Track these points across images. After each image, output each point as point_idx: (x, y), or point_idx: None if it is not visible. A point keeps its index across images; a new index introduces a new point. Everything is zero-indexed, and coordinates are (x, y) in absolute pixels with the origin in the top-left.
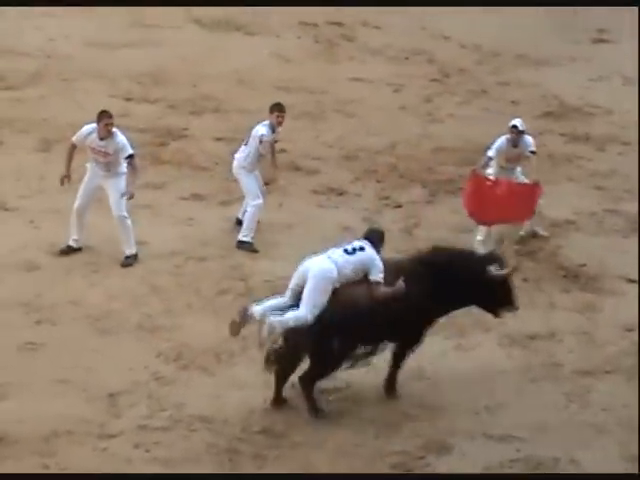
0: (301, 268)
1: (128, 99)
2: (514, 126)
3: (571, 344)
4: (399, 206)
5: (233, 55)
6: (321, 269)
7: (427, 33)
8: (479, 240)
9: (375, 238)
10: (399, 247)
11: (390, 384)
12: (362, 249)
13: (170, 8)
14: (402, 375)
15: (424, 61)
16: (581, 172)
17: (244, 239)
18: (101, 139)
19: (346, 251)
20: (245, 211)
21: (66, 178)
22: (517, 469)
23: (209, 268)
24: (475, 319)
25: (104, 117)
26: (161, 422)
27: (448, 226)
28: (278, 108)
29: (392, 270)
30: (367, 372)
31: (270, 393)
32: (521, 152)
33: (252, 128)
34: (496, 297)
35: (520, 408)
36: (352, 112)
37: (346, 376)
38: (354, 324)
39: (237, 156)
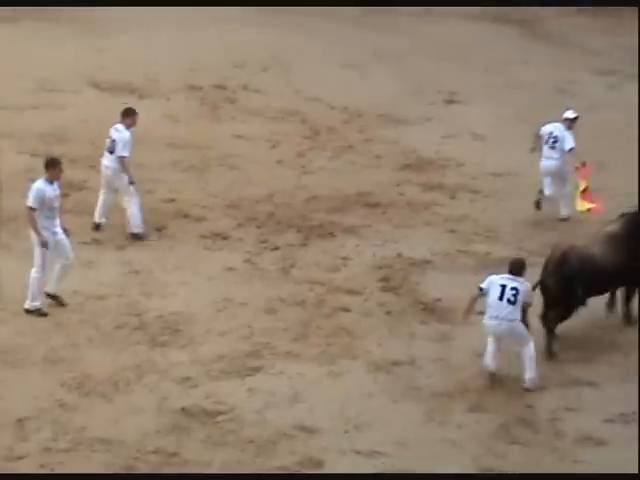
0: None
1: (34, 155)
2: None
3: (429, 369)
4: (277, 249)
5: None
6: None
7: (300, 96)
8: None
9: (517, 267)
10: (276, 285)
11: (626, 315)
12: (515, 289)
13: (71, 75)
14: (279, 398)
15: (298, 120)
16: (436, 217)
17: None
18: (52, 183)
19: (509, 301)
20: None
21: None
22: None
23: (107, 306)
24: (344, 348)
25: (56, 162)
26: (64, 444)
27: (320, 266)
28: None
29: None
30: (249, 397)
31: (163, 418)
32: None
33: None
34: None
35: (385, 426)
36: (234, 165)
37: (232, 401)
38: (593, 277)
39: None
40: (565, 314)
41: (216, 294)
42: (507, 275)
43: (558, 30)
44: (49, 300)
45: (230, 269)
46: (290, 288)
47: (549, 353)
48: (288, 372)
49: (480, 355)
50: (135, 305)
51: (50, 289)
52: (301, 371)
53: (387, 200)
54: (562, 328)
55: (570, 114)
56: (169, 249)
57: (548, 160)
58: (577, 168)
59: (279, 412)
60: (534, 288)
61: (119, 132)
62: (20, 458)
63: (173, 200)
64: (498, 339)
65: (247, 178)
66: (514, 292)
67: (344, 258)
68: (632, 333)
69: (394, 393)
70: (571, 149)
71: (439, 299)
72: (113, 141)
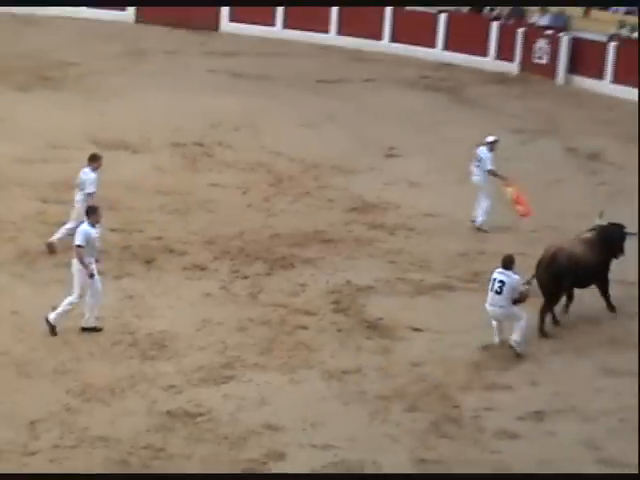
0: None
1: (44, 201)
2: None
3: (373, 377)
4: (246, 277)
5: (123, 167)
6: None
7: (266, 150)
8: None
9: (506, 262)
10: (246, 308)
11: (608, 302)
12: (502, 282)
13: (75, 134)
14: (249, 402)
15: (264, 171)
16: (378, 251)
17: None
18: (94, 226)
19: (497, 292)
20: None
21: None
22: (334, 470)
23: (106, 325)
24: (302, 360)
25: (96, 209)
26: (70, 442)
27: (283, 292)
28: None
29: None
30: (224, 401)
31: (152, 419)
32: None
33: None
34: None
35: (337, 425)
36: (211, 209)
37: (209, 404)
38: (576, 273)
39: None
40: (553, 302)
41: (196, 316)
42: (499, 269)
43: (479, 96)
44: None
45: (208, 295)
46: (258, 310)
47: (541, 332)
48: (256, 380)
49: (416, 365)
50: (129, 325)
51: (87, 324)
52: (267, 379)
53: (338, 237)
54: (485, 341)
55: (489, 138)
56: (157, 278)
57: (474, 176)
58: (505, 183)
59: (249, 413)
60: (529, 282)
61: (86, 174)
62: (33, 454)
63: (160, 238)
64: (498, 320)
65: (222, 219)
66: (500, 284)
67: (302, 285)
68: (544, 344)
69: (344, 397)
70: (489, 170)
71: (381, 318)
72: (83, 181)
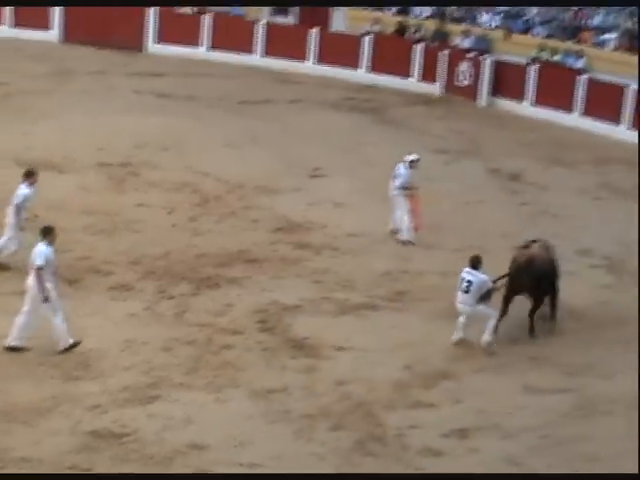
0: None
1: None
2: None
3: (298, 396)
4: (172, 297)
5: (48, 187)
6: None
7: (192, 171)
8: None
9: (474, 262)
10: (172, 328)
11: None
12: (469, 281)
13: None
14: (175, 421)
15: (189, 191)
16: (304, 270)
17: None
18: (51, 246)
19: (464, 291)
20: None
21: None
22: None
23: (32, 345)
24: (228, 379)
25: (52, 229)
26: None
27: (209, 312)
28: None
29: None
30: (149, 421)
31: (77, 439)
32: None
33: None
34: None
35: (262, 443)
36: (137, 229)
37: (135, 424)
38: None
39: None
40: (539, 303)
41: (122, 335)
42: (467, 269)
43: (403, 117)
44: None
45: (133, 315)
46: (183, 330)
47: (531, 331)
48: (182, 400)
49: (340, 384)
50: (55, 345)
51: (14, 343)
52: (193, 399)
53: (263, 256)
54: (409, 360)
55: (408, 157)
56: (83, 299)
57: (392, 191)
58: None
59: (175, 433)
60: (495, 281)
61: (22, 190)
62: None
63: (87, 258)
64: (467, 317)
65: (148, 239)
66: (468, 284)
67: (228, 305)
68: (466, 362)
69: (270, 416)
70: (401, 185)
71: (306, 337)
72: (20, 197)
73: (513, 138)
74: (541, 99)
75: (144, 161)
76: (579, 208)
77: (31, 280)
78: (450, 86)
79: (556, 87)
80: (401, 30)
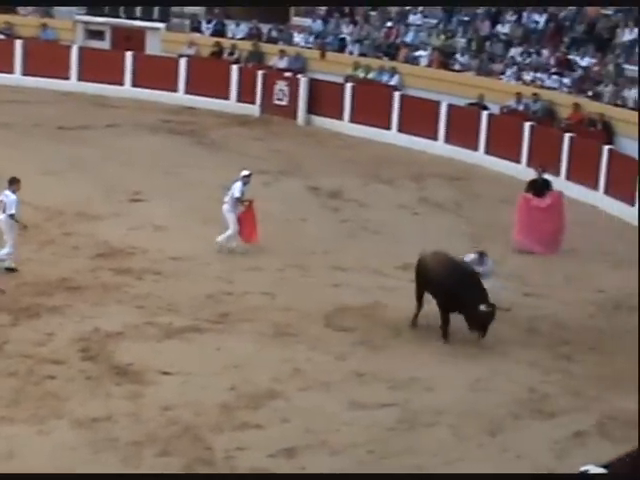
0: None
1: None
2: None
3: (123, 423)
4: None
5: None
6: None
7: None
8: None
9: None
10: None
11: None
12: None
13: None
14: None
15: None
16: (126, 296)
17: None
18: None
19: None
20: None
21: None
22: None
23: None
24: (51, 410)
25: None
26: None
27: (29, 342)
28: None
29: None
30: None
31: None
32: None
33: None
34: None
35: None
36: None
37: None
38: None
39: None
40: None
41: None
42: None
43: (222, 138)
44: None
45: None
46: (4, 362)
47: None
48: (3, 433)
49: (167, 409)
50: None
51: None
52: (15, 432)
53: (85, 283)
54: (234, 382)
55: (244, 172)
56: None
57: (224, 205)
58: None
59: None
60: None
61: (7, 196)
62: None
63: None
64: None
65: None
66: None
67: (49, 334)
68: (292, 381)
69: (95, 445)
70: (237, 198)
71: (131, 364)
72: (4, 203)
73: (332, 156)
74: (358, 116)
75: None
76: (398, 223)
77: None
78: (268, 106)
79: (372, 104)
80: (218, 52)
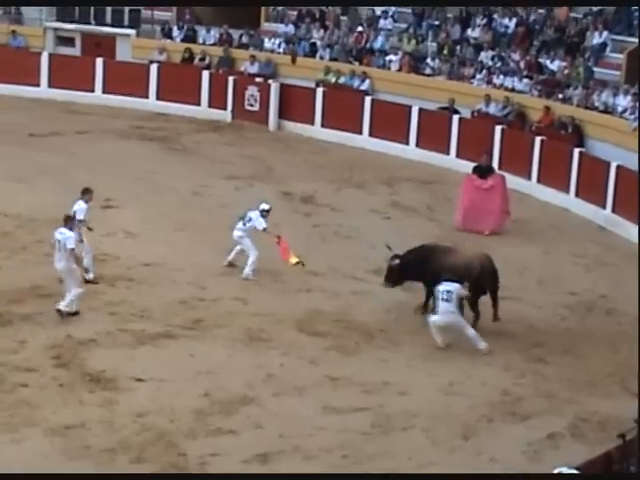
0: None
1: None
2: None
3: (97, 430)
4: None
5: None
6: None
7: None
8: None
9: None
10: None
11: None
12: (449, 291)
13: None
14: None
15: None
16: (99, 303)
17: None
18: None
19: (446, 300)
20: None
21: None
22: None
23: None
24: (24, 418)
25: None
26: None
27: (2, 350)
28: None
29: None
30: None
31: None
32: None
33: None
34: None
35: None
36: None
37: None
38: None
39: None
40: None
41: None
42: (445, 283)
43: (193, 144)
44: None
45: None
46: None
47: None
48: None
49: (140, 415)
50: None
51: None
52: None
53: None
54: (207, 388)
55: (264, 206)
56: None
57: (235, 231)
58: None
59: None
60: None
61: (79, 204)
62: None
63: None
64: (448, 325)
65: None
66: (448, 294)
67: (21, 342)
68: (265, 387)
69: (68, 453)
70: (264, 229)
71: (103, 371)
72: (75, 211)
73: (304, 161)
74: (330, 121)
75: None
76: (370, 228)
77: None
78: (240, 112)
79: (343, 109)
80: (189, 58)
